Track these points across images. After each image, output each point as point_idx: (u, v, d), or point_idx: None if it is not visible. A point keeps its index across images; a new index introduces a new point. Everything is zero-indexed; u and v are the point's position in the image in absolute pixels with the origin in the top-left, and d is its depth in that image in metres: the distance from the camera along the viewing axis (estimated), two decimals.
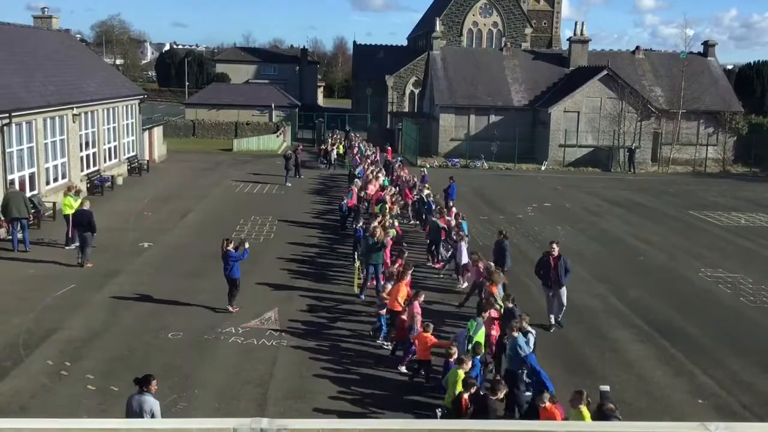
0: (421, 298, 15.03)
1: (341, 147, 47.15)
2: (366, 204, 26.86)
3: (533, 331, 13.50)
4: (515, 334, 12.87)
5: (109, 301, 17.58)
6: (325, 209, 30.41)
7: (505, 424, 2.71)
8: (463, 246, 19.88)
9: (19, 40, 31.76)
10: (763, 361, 15.30)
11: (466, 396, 10.92)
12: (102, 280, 19.20)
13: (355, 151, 42.89)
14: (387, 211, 23.54)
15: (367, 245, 19.02)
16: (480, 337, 13.24)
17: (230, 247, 17.06)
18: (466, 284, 19.40)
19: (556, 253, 16.75)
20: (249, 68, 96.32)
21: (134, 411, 10.05)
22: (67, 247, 22.13)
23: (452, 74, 51.94)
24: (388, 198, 25.32)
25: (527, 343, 12.91)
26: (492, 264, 17.58)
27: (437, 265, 21.63)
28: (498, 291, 15.76)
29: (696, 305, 19.12)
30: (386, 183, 29.48)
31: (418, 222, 27.09)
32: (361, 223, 21.52)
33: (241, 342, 15.33)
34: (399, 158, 41.16)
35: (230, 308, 17.11)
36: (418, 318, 14.29)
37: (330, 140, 47.75)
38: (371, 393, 13.25)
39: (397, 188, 29.44)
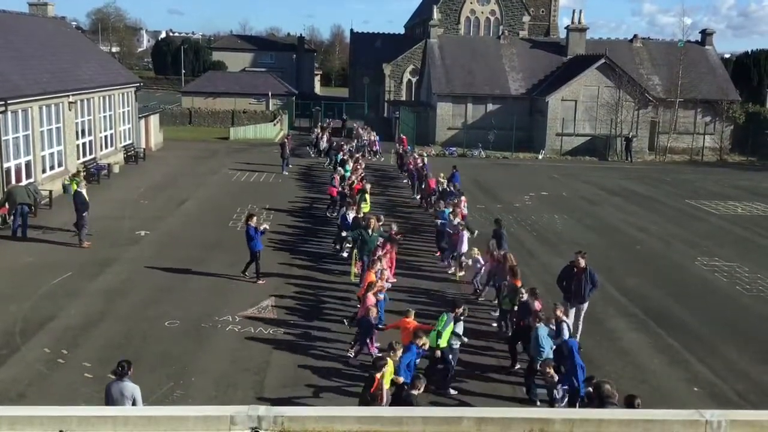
0: (376, 290, 14.99)
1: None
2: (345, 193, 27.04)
3: (567, 320, 13.61)
4: (538, 324, 12.99)
5: (105, 289, 17.57)
6: (321, 198, 30.35)
7: (501, 411, 2.73)
8: (465, 235, 19.93)
9: (14, 27, 31.59)
10: (759, 350, 15.38)
11: (378, 375, 10.86)
12: (99, 268, 19.19)
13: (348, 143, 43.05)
14: (366, 200, 23.78)
15: (362, 235, 19.02)
16: (448, 332, 13.14)
17: (251, 223, 18.38)
18: (462, 273, 19.50)
19: (582, 264, 15.35)
20: (246, 56, 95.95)
21: (115, 398, 9.96)
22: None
23: (449, 63, 51.81)
24: (368, 188, 25.43)
25: (561, 332, 13.02)
26: (509, 254, 17.45)
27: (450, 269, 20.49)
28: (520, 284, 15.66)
29: (692, 294, 19.18)
30: (348, 172, 29.22)
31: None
32: (343, 211, 21.49)
33: (238, 330, 15.35)
34: (409, 149, 40.91)
35: (258, 280, 18.43)
36: (373, 311, 14.26)
37: (319, 128, 47.56)
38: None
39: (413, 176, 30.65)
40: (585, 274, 15.30)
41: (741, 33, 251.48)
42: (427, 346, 12.54)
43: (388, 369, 11.34)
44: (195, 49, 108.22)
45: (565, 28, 55.11)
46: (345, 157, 32.41)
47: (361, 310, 14.41)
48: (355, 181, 27.03)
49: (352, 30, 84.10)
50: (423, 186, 29.31)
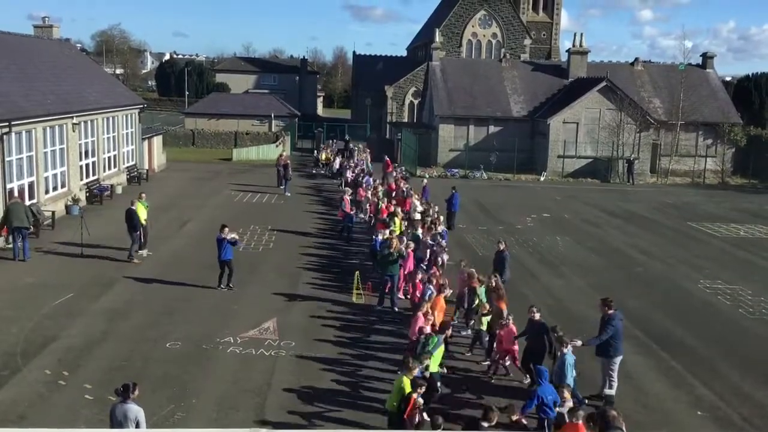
0: (424, 308, 15.05)
1: (324, 155, 47.43)
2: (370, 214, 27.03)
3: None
4: (565, 350, 12.78)
5: (107, 310, 17.55)
6: (324, 218, 30.39)
7: None
8: (445, 257, 20.01)
9: (19, 49, 31.83)
10: (762, 373, 15.29)
11: (415, 396, 10.84)
12: (101, 289, 19.18)
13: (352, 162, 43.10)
14: (399, 223, 23.72)
15: (382, 256, 19.05)
16: (438, 356, 13.18)
17: (222, 233, 19.46)
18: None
19: (610, 311, 13.90)
20: (249, 78, 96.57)
21: (119, 421, 9.92)
22: (145, 253, 22.89)
23: (451, 85, 52.07)
24: (399, 211, 25.38)
25: None
26: (495, 275, 17.45)
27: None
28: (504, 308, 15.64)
29: (695, 316, 19.11)
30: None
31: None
32: (380, 236, 21.46)
33: (240, 352, 15.30)
34: (400, 169, 40.77)
35: (223, 286, 19.51)
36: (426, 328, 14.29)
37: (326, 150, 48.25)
38: (369, 403, 13.20)
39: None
40: (605, 321, 13.89)
41: (742, 56, 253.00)
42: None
43: (407, 389, 11.28)
44: (198, 71, 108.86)
45: (567, 51, 55.43)
46: (354, 177, 32.65)
47: (413, 331, 14.39)
48: (380, 202, 27.04)
49: (354, 52, 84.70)
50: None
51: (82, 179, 31.34)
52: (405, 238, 20.60)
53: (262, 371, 14.34)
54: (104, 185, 32.90)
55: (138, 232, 22.38)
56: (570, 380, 12.54)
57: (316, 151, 51.59)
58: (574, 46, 53.86)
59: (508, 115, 50.58)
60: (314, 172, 45.14)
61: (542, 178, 46.85)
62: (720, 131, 50.28)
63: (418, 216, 25.81)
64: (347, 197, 27.35)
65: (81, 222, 23.34)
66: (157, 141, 44.67)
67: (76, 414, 12.22)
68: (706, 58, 55.11)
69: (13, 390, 13.06)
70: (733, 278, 23.08)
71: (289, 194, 36.05)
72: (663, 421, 12.98)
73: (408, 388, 11.20)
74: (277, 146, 54.24)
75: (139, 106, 39.91)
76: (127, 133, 37.79)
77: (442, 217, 25.39)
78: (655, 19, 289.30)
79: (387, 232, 21.41)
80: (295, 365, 14.73)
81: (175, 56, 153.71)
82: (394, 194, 30.38)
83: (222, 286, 19.57)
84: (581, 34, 53.88)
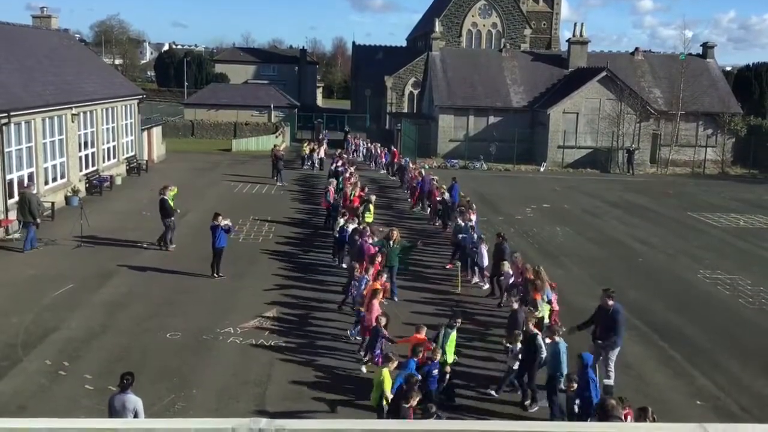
0: (379, 296, 15.11)
1: (305, 148, 46.73)
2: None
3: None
4: (557, 338, 12.83)
5: (107, 302, 17.55)
6: (320, 208, 30.33)
7: (507, 425, 2.71)
8: (483, 249, 19.95)
9: (17, 39, 31.72)
10: (762, 363, 15.32)
11: (407, 406, 10.83)
12: (100, 280, 19.18)
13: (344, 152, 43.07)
14: (371, 210, 23.90)
15: (383, 246, 19.05)
16: (450, 345, 13.21)
17: (216, 221, 19.59)
18: (487, 286, 19.45)
19: (609, 303, 13.90)
20: (248, 68, 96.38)
21: (117, 410, 9.95)
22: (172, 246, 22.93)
23: (451, 75, 51.95)
24: (373, 199, 25.53)
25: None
26: (538, 266, 17.38)
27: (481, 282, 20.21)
28: (540, 298, 15.63)
29: (695, 307, 19.13)
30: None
31: (440, 224, 27.27)
32: (341, 222, 21.50)
33: (240, 342, 15.32)
34: (406, 159, 40.76)
35: (215, 275, 19.62)
36: (375, 317, 14.29)
37: (316, 141, 47.73)
38: (370, 393, 13.21)
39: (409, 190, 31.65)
40: (608, 315, 13.88)
41: (742, 46, 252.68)
42: (438, 357, 12.44)
43: (386, 382, 11.29)
44: (198, 62, 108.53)
45: (567, 41, 55.27)
46: (340, 168, 32.46)
47: (369, 319, 14.38)
48: (352, 192, 26.96)
49: (354, 42, 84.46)
50: (430, 199, 29.45)
51: (81, 170, 31.30)
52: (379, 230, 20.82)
53: (263, 362, 14.36)
54: (104, 176, 32.86)
55: (171, 219, 22.59)
56: (565, 368, 12.59)
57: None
58: (574, 36, 53.69)
59: (508, 106, 50.49)
60: (300, 164, 44.45)
61: (542, 169, 46.80)
62: (720, 121, 50.20)
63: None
64: (332, 187, 27.39)
65: (81, 213, 23.34)
66: (157, 132, 44.59)
67: (77, 404, 12.25)
68: (707, 47, 54.96)
69: (14, 380, 13.09)
70: (733, 268, 23.09)
71: (286, 184, 36.05)
72: (663, 411, 12.98)
73: (388, 381, 11.20)
74: (276, 137, 54.16)
75: (139, 97, 39.82)
76: (126, 124, 37.72)
77: (474, 206, 25.36)
78: (656, 8, 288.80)
79: (356, 221, 21.58)
80: (295, 355, 14.75)
81: (174, 47, 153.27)
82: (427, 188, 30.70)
83: (219, 274, 19.69)
84: (581, 24, 53.78)
